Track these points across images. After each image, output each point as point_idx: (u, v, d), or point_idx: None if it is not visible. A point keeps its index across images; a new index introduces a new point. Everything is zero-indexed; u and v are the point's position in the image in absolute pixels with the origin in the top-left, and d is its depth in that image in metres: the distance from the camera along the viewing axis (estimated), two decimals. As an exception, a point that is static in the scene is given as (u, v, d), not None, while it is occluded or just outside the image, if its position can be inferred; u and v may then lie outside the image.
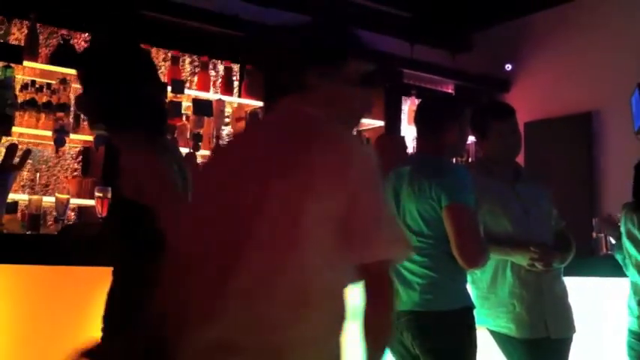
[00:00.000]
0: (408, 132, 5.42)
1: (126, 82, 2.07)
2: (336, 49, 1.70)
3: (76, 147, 4.49)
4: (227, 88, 4.80)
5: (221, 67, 4.97)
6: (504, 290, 2.78)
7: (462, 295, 2.55)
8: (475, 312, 2.56)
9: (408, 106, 5.63)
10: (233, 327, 1.44)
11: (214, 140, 4.48)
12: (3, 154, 2.82)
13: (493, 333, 2.81)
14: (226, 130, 4.87)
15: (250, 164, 1.55)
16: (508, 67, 5.98)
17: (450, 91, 5.94)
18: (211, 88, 4.74)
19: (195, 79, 4.87)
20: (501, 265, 2.79)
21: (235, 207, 1.50)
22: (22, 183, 4.33)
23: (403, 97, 5.56)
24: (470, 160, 5.03)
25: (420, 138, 2.78)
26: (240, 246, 1.45)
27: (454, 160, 2.78)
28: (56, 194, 3.57)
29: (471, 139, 3.13)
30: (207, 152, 4.42)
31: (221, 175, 1.61)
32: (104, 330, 2.03)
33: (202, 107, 4.35)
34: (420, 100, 5.41)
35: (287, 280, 1.44)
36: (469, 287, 2.65)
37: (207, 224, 1.55)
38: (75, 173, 4.58)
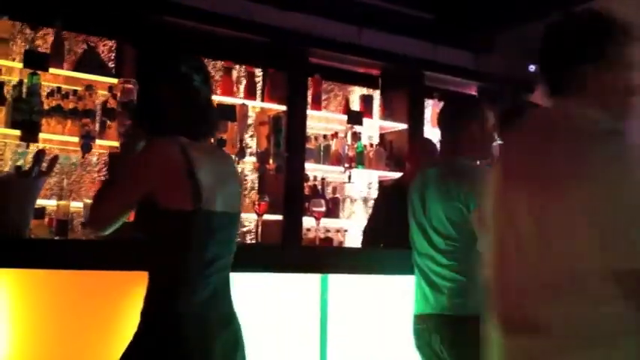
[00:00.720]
0: (431, 135, 5.40)
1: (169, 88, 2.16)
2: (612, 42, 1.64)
3: (102, 152, 4.53)
4: (250, 93, 4.81)
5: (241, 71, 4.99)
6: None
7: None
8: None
9: (431, 109, 5.61)
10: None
11: (238, 145, 4.49)
12: (31, 160, 2.87)
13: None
14: (249, 135, 4.89)
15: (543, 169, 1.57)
16: (532, 67, 5.93)
17: (473, 92, 5.90)
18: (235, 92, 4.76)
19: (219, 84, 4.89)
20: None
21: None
22: (48, 189, 4.37)
23: (426, 100, 5.54)
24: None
25: (441, 140, 2.79)
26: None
27: (479, 162, 2.76)
28: (84, 199, 3.61)
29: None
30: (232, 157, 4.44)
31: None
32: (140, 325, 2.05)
33: (226, 112, 4.37)
34: (442, 102, 5.43)
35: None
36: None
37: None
38: (101, 178, 4.62)
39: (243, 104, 4.57)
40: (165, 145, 2.06)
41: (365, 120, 5.04)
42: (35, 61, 3.84)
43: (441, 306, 2.52)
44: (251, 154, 4.73)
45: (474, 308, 2.47)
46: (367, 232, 4.11)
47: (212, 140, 2.35)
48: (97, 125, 4.10)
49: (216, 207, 2.06)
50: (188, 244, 2.03)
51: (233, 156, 4.40)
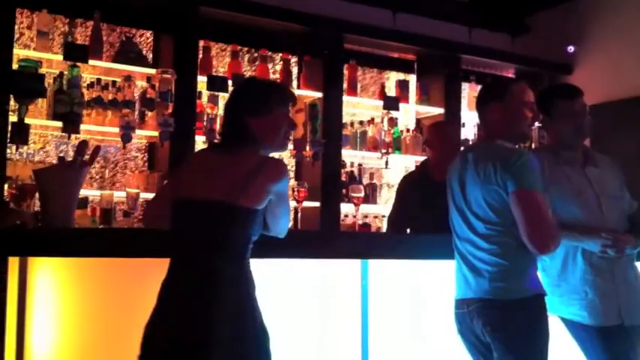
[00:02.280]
0: (468, 119, 5.36)
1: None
2: None
3: (142, 142, 4.59)
4: (286, 80, 4.83)
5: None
6: (576, 277, 2.73)
7: (533, 283, 2.52)
8: (546, 299, 2.53)
9: (468, 93, 5.56)
10: None
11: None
12: (74, 151, 2.92)
13: (565, 321, 2.77)
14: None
15: None
16: (570, 48, 5.83)
17: (510, 75, 5.83)
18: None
19: (255, 72, 4.92)
20: (572, 251, 2.74)
21: None
22: (89, 179, 4.46)
23: (463, 84, 5.50)
24: (533, 146, 4.94)
25: (479, 124, 2.77)
26: None
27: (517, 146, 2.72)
28: (127, 189, 3.68)
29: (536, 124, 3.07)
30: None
31: None
32: None
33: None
34: (479, 85, 5.38)
35: None
36: (539, 275, 2.61)
37: None
38: (141, 168, 4.69)
39: (279, 92, 4.58)
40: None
41: (401, 105, 5.02)
42: (75, 54, 3.90)
43: (483, 290, 2.50)
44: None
45: (516, 292, 2.47)
46: (392, 221, 4.11)
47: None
48: (137, 115, 4.15)
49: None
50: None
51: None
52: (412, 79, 5.49)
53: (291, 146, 4.69)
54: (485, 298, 2.50)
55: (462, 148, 4.12)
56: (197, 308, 2.15)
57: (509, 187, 2.42)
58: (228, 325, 2.14)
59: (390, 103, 4.95)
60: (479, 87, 5.35)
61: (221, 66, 4.97)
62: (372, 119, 5.12)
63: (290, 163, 5.25)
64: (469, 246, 2.57)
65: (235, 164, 2.26)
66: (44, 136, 4.42)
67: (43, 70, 3.90)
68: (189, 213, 2.24)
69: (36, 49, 4.00)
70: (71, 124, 3.86)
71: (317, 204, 4.58)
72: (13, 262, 2.49)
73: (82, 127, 3.94)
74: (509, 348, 2.45)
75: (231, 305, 2.16)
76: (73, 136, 3.93)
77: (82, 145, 2.85)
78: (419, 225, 3.67)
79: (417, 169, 4.24)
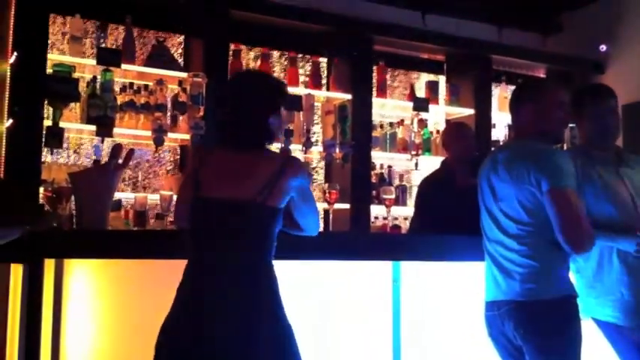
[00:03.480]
0: (499, 119, 5.33)
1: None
2: None
3: (174, 145, 4.63)
4: (315, 82, 4.84)
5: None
6: (611, 278, 2.70)
7: (565, 284, 2.50)
8: (581, 301, 2.51)
9: (498, 93, 5.52)
10: None
11: (304, 134, 4.53)
12: (108, 154, 2.97)
13: (599, 322, 2.74)
14: (315, 124, 4.92)
15: None
16: (602, 47, 5.76)
17: (541, 75, 5.78)
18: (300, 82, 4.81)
19: (285, 74, 4.94)
20: (606, 252, 2.71)
21: None
22: (122, 181, 4.51)
23: (493, 84, 5.46)
24: (565, 147, 4.89)
25: (511, 124, 2.75)
26: None
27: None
28: (161, 191, 3.71)
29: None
30: (298, 147, 4.49)
31: None
32: None
33: (292, 102, 4.41)
34: (510, 86, 5.34)
35: None
36: (572, 276, 2.59)
37: None
38: (173, 171, 4.74)
39: (309, 94, 4.60)
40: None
41: (431, 106, 5.00)
42: (108, 58, 3.95)
43: (513, 292, 2.49)
44: (317, 144, 4.76)
45: (547, 293, 2.45)
46: (414, 225, 4.10)
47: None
48: (169, 119, 4.19)
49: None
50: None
51: (300, 145, 4.46)
52: (442, 79, 5.46)
53: (320, 148, 4.71)
54: (516, 300, 2.48)
55: (476, 149, 4.12)
56: (233, 307, 2.16)
57: (543, 186, 2.40)
58: (266, 325, 2.17)
59: (420, 105, 4.94)
60: (509, 87, 5.33)
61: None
62: (402, 121, 5.11)
63: (320, 165, 5.27)
64: (499, 247, 2.56)
65: (260, 163, 2.28)
66: (78, 140, 4.48)
67: (76, 75, 3.95)
68: (216, 212, 2.24)
69: (69, 53, 4.06)
70: (104, 128, 3.91)
71: (347, 206, 4.58)
72: (49, 264, 2.53)
73: (115, 130, 3.98)
74: (541, 351, 2.43)
75: (265, 303, 2.19)
76: (106, 139, 3.99)
77: (117, 148, 2.90)
78: (441, 227, 3.65)
79: (436, 170, 4.23)
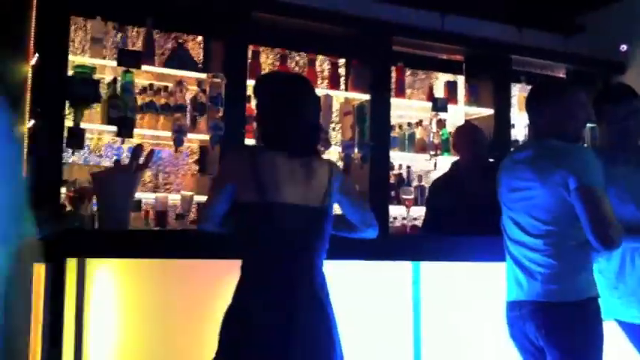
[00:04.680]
0: (518, 120, 5.30)
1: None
2: None
3: (194, 146, 4.65)
4: (334, 83, 4.84)
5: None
6: (634, 279, 2.68)
7: (588, 285, 2.47)
8: (603, 302, 2.48)
9: (518, 93, 5.49)
10: None
11: (323, 135, 4.53)
12: (128, 155, 2.99)
13: (622, 324, 2.72)
14: (334, 125, 4.93)
15: None
16: (623, 47, 5.71)
17: (561, 75, 5.74)
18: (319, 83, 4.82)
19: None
20: (629, 252, 2.69)
21: None
22: (142, 182, 4.53)
23: (512, 84, 5.43)
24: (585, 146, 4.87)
25: (529, 125, 2.73)
26: None
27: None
28: (182, 192, 3.73)
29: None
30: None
31: None
32: None
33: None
34: (530, 86, 5.31)
35: None
36: (596, 277, 2.57)
37: None
38: (193, 172, 4.76)
39: (328, 95, 4.60)
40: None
41: (450, 106, 4.99)
42: (128, 60, 3.97)
43: (535, 292, 2.47)
44: (336, 144, 4.76)
45: (570, 294, 2.43)
46: (425, 227, 4.09)
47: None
48: (188, 120, 4.21)
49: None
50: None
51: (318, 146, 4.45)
52: (460, 80, 5.44)
53: (339, 148, 4.71)
54: (538, 301, 2.46)
55: (488, 153, 4.11)
56: (309, 309, 2.23)
57: (571, 184, 2.38)
58: (334, 324, 2.32)
59: (439, 105, 4.92)
60: (529, 87, 5.29)
61: (270, 70, 5.01)
62: (421, 121, 5.10)
63: (338, 165, 5.27)
64: (521, 248, 2.54)
65: (318, 168, 2.37)
66: (99, 141, 4.51)
67: (96, 76, 3.98)
68: (277, 216, 2.29)
69: (90, 55, 4.09)
70: (125, 129, 3.93)
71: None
72: (71, 264, 2.56)
73: (136, 131, 4.01)
74: (563, 352, 2.41)
75: (328, 303, 2.32)
76: (126, 140, 4.01)
77: (138, 149, 2.92)
78: (448, 229, 3.63)
79: (445, 172, 4.22)
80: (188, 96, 4.27)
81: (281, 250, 2.29)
